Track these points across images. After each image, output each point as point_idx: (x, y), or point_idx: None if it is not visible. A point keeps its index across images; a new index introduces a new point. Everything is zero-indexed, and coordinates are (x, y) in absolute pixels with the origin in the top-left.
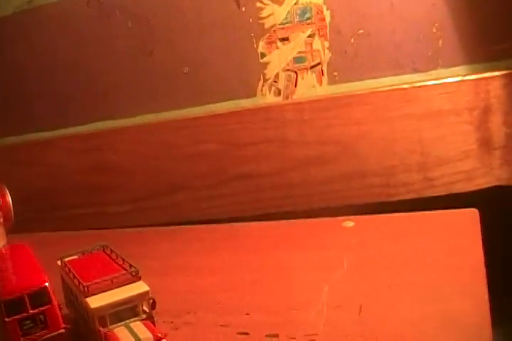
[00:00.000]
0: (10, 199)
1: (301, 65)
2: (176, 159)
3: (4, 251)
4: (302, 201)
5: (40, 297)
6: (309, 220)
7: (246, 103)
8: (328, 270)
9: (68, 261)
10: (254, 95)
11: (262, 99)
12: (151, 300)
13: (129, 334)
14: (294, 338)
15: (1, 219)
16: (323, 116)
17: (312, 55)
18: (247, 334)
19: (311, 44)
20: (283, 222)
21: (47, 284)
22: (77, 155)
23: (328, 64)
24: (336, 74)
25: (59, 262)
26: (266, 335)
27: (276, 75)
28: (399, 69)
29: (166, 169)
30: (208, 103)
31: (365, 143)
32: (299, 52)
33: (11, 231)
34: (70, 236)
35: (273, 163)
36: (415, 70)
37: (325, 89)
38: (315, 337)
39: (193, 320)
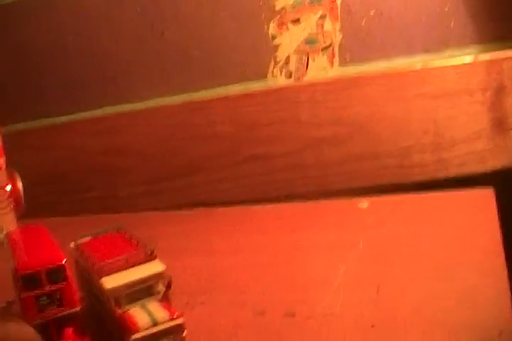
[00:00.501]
0: (20, 185)
1: (313, 47)
2: (189, 141)
3: (19, 232)
4: (316, 182)
5: (57, 274)
6: (324, 201)
7: (257, 85)
8: (344, 250)
9: (82, 242)
10: (265, 77)
11: (273, 81)
12: (167, 280)
13: (145, 314)
14: (311, 317)
15: (12, 205)
16: (336, 97)
17: (323, 36)
18: (263, 313)
19: (322, 25)
20: (298, 203)
21: (64, 261)
22: (91, 139)
23: (340, 45)
24: (347, 55)
25: (72, 244)
26: (282, 315)
27: (288, 57)
28: (411, 49)
29: (179, 151)
30: (219, 85)
31: (379, 124)
32: (310, 34)
33: (23, 215)
34: (83, 220)
35: (286, 144)
36: (427, 50)
37: (336, 71)
38: (332, 316)
39: (208, 300)
